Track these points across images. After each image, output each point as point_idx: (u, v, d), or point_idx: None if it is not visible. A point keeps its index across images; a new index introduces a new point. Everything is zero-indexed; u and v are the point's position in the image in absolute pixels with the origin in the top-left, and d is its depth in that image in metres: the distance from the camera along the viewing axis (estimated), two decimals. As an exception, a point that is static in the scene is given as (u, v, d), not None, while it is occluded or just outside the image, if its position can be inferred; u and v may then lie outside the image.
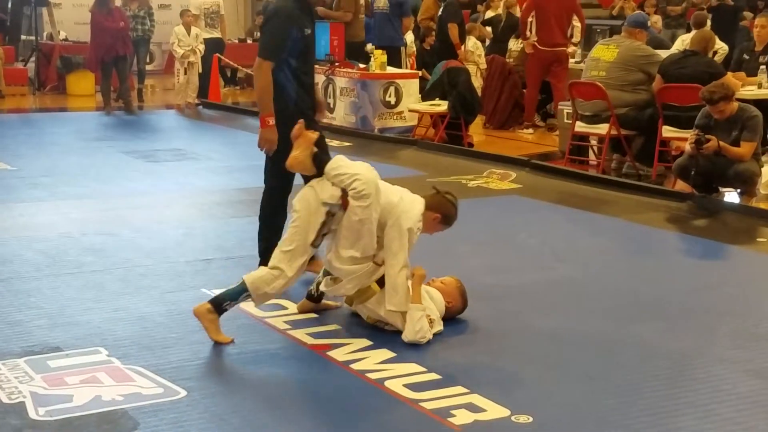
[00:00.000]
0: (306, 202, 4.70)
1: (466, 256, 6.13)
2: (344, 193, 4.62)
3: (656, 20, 15.10)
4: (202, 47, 14.88)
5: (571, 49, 11.90)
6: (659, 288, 5.69)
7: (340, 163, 4.69)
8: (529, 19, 11.92)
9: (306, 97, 5.68)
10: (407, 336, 4.63)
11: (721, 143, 7.70)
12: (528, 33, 11.91)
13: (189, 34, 14.77)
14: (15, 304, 5.23)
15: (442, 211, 4.87)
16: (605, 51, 9.41)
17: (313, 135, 4.81)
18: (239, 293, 4.65)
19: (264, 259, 5.31)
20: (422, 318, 4.65)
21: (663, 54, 10.01)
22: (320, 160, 4.76)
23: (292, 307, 5.15)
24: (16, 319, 4.99)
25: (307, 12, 5.69)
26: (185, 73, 14.89)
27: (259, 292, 4.66)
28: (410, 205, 4.74)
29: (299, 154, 4.77)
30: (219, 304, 4.63)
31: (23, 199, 8.15)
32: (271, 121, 5.52)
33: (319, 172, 4.73)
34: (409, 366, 4.36)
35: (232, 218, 7.52)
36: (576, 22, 11.97)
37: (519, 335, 4.87)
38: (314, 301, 5.09)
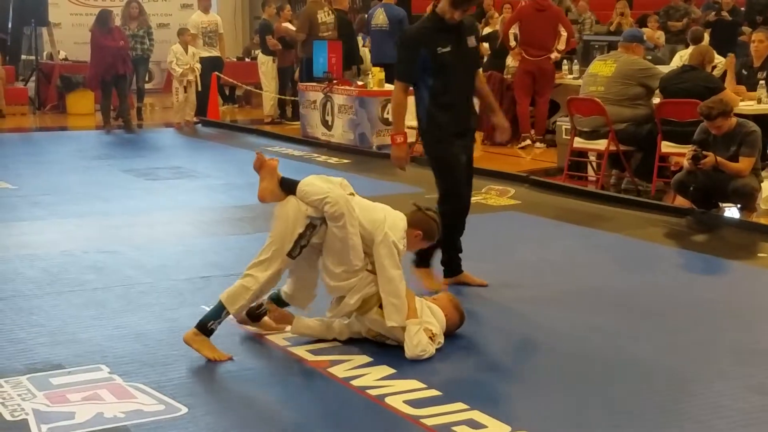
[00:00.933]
0: (286, 211, 4.72)
1: (468, 271, 6.13)
2: None
3: (659, 36, 15.14)
4: (198, 66, 14.91)
5: (554, 55, 11.89)
6: (659, 303, 5.70)
7: (307, 189, 4.69)
8: (512, 31, 12.02)
9: (442, 115, 5.74)
10: (407, 353, 4.65)
11: (719, 159, 7.71)
12: (513, 43, 12.00)
13: (187, 52, 14.82)
14: (17, 322, 5.25)
15: (422, 228, 4.92)
16: (603, 66, 9.45)
17: (274, 162, 4.81)
18: (219, 311, 4.69)
19: (447, 270, 5.88)
20: (419, 332, 4.66)
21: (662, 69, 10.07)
22: (288, 184, 4.77)
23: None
24: (18, 336, 5.00)
25: (444, 29, 5.69)
26: (184, 92, 14.93)
27: (236, 306, 4.71)
28: (394, 221, 4.80)
29: (267, 185, 4.79)
30: (204, 326, 4.67)
31: (24, 217, 8.17)
32: (399, 139, 5.77)
33: (287, 194, 4.76)
34: (409, 382, 4.36)
35: (231, 235, 7.53)
36: (563, 32, 12.00)
37: (519, 351, 4.88)
38: (253, 320, 5.08)
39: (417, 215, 4.93)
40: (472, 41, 5.76)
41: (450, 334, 4.93)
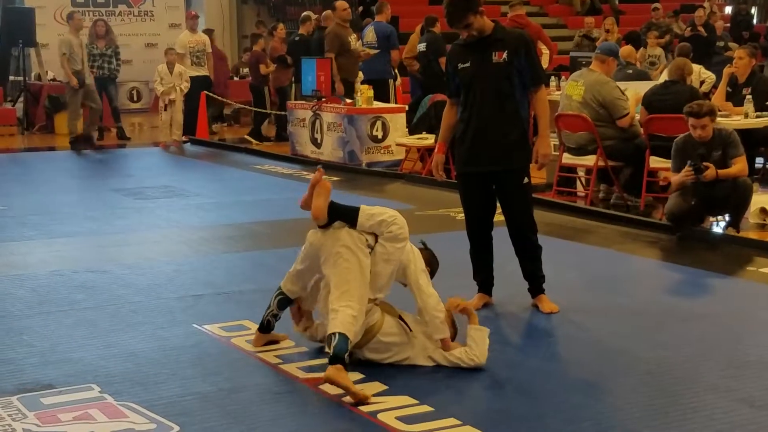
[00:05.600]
0: (347, 244, 4.65)
1: (456, 288, 6.12)
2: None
3: (659, 53, 15.22)
4: (186, 85, 14.88)
5: None
6: (649, 318, 5.71)
7: (372, 211, 4.73)
8: None
9: (460, 133, 5.78)
10: (480, 359, 4.74)
11: (719, 170, 7.63)
12: None
13: (171, 72, 14.78)
14: (7, 342, 5.23)
15: (431, 265, 5.07)
16: (574, 88, 9.37)
17: (329, 183, 4.79)
18: (346, 341, 4.41)
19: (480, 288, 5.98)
20: (486, 337, 4.83)
21: (644, 85, 10.12)
22: (338, 211, 4.75)
23: (283, 341, 5.15)
24: (9, 357, 4.99)
25: (469, 44, 5.68)
26: (165, 110, 14.89)
27: (355, 332, 4.51)
28: (417, 252, 4.92)
29: (323, 203, 4.72)
30: (342, 359, 4.38)
31: (13, 237, 8.15)
32: (436, 149, 6.04)
33: (329, 223, 4.72)
34: (401, 398, 4.36)
35: (222, 254, 7.52)
36: (544, 50, 12.01)
37: (509, 367, 4.88)
38: (267, 331, 5.11)
39: (425, 253, 5.06)
40: (500, 56, 5.58)
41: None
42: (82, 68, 14.61)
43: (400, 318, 4.84)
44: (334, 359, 4.38)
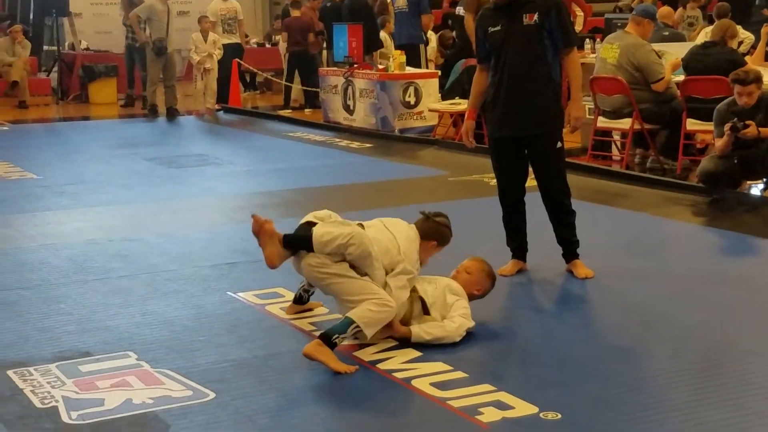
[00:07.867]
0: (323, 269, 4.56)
1: (490, 254, 6.09)
2: None
3: (697, 15, 15.01)
4: (219, 52, 14.88)
5: None
6: (686, 281, 5.67)
7: (325, 239, 4.49)
8: None
9: (491, 97, 5.73)
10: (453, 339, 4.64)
11: (761, 129, 7.52)
12: None
13: (206, 40, 14.80)
14: (44, 311, 5.28)
15: (437, 238, 4.90)
16: (609, 51, 9.28)
17: (270, 225, 4.64)
18: (347, 327, 4.39)
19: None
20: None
21: (681, 47, 9.98)
22: (294, 242, 4.62)
23: (318, 309, 5.17)
24: (47, 325, 5.04)
25: (500, 8, 5.63)
26: (201, 79, 14.93)
27: (372, 329, 4.45)
28: (406, 247, 4.69)
29: (272, 249, 4.61)
30: (328, 338, 4.36)
31: (49, 207, 8.22)
32: (467, 114, 6.00)
33: (295, 251, 4.63)
34: (435, 365, 4.36)
35: (256, 221, 7.53)
36: (579, 12, 11.86)
37: (545, 332, 4.87)
38: (301, 303, 5.14)
39: (426, 225, 4.89)
40: (531, 18, 5.50)
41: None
42: (165, 36, 14.40)
43: (421, 300, 4.78)
44: (322, 335, 4.38)
